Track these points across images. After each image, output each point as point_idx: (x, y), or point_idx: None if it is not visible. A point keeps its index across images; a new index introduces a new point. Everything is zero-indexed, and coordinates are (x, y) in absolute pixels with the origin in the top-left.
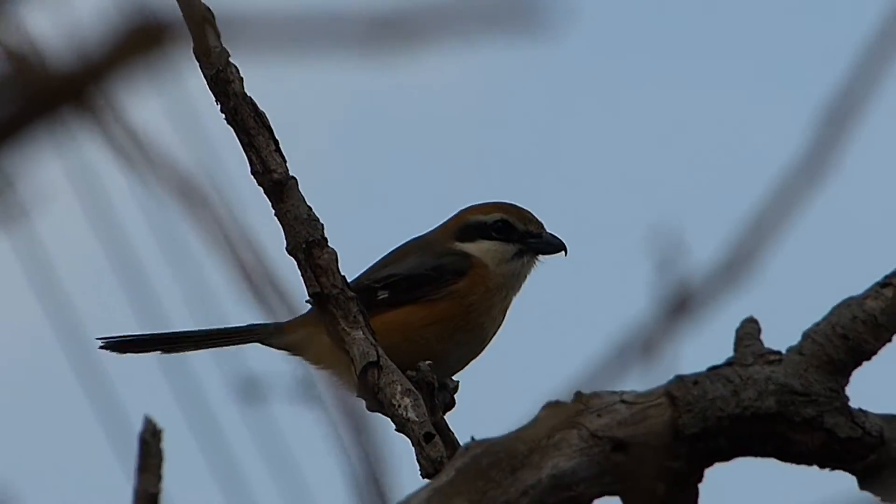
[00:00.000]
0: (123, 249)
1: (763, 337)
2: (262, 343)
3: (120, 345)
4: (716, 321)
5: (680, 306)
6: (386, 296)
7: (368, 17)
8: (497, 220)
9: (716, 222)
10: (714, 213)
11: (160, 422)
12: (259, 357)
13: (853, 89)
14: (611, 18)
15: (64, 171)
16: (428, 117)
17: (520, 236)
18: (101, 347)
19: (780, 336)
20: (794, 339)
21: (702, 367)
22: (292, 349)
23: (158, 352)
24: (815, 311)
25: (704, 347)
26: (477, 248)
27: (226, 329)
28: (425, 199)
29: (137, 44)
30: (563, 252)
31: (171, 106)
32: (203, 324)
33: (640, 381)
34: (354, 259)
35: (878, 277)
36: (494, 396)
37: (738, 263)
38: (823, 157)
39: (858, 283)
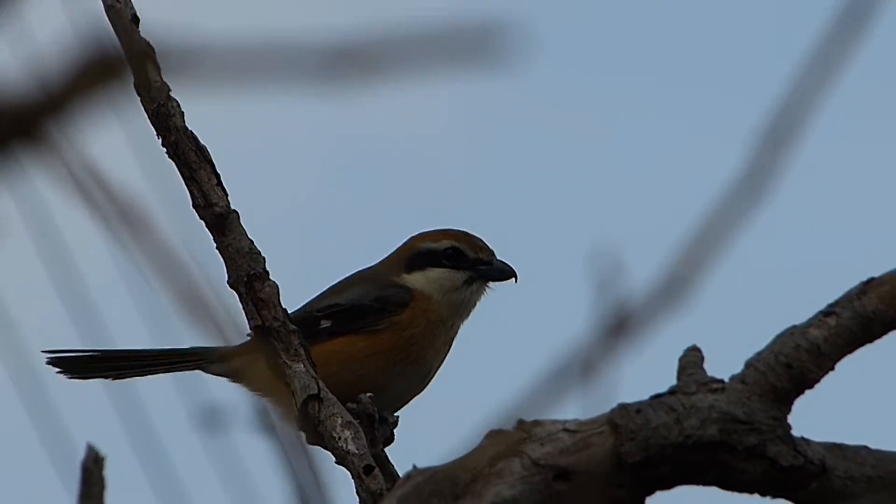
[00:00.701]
0: (72, 280)
1: (704, 363)
2: (204, 370)
3: (66, 363)
4: (655, 343)
5: (619, 328)
6: (328, 325)
7: (329, 48)
8: (447, 247)
9: (654, 244)
10: (652, 235)
11: (104, 448)
12: (209, 385)
13: (791, 110)
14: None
15: (14, 204)
16: (382, 148)
17: (470, 264)
18: (48, 362)
19: (720, 362)
20: (736, 367)
21: (642, 388)
22: (233, 376)
23: (106, 377)
24: (756, 334)
25: (643, 369)
26: (425, 277)
27: (167, 351)
28: (374, 231)
29: (95, 75)
30: (513, 279)
31: (126, 137)
32: (148, 345)
33: (581, 403)
34: (296, 292)
35: (818, 301)
36: (435, 426)
37: (676, 285)
38: (762, 179)
39: (797, 304)
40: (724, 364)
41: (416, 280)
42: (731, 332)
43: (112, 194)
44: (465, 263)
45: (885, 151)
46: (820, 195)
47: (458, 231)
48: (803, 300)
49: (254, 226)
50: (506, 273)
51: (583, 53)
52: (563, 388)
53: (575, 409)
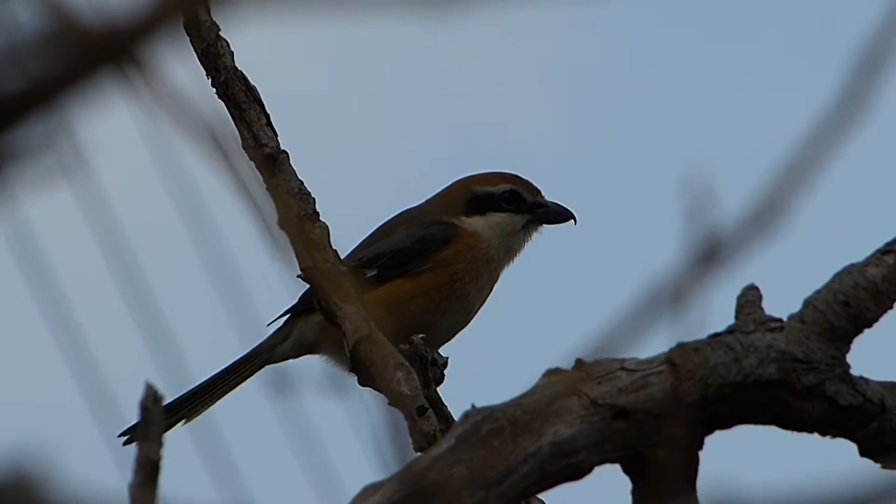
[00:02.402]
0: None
1: (762, 301)
2: (270, 362)
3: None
4: (746, 271)
5: (710, 256)
6: (374, 273)
7: None
8: (506, 190)
9: (745, 172)
10: (743, 162)
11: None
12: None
13: (884, 36)
14: None
15: (109, 127)
16: (435, 82)
17: (529, 207)
18: (125, 443)
19: (802, 293)
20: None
21: (731, 317)
22: (298, 351)
23: (182, 422)
24: (843, 258)
25: (734, 298)
26: (486, 222)
27: (232, 365)
28: (421, 171)
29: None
30: (572, 221)
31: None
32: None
33: (669, 333)
34: (347, 234)
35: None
36: (500, 364)
37: (768, 213)
38: (854, 106)
39: (872, 241)
40: (802, 292)
41: (476, 223)
42: (823, 264)
43: (201, 117)
44: (525, 206)
45: None
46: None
47: (512, 174)
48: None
49: (304, 166)
50: (564, 215)
51: None
52: (653, 317)
53: (664, 340)
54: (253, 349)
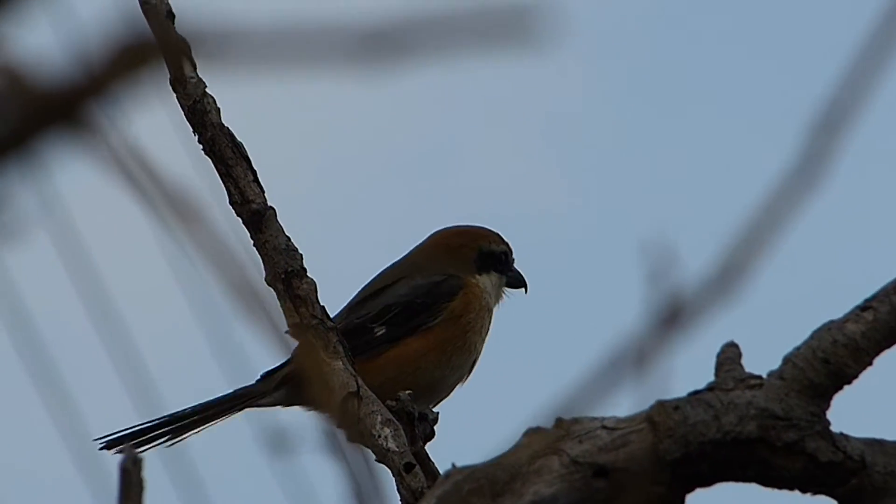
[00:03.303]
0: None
1: (742, 359)
2: (253, 406)
3: (119, 441)
4: (709, 332)
5: (672, 319)
6: (383, 332)
7: (361, 30)
8: (502, 251)
9: (707, 234)
10: (705, 224)
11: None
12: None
13: (844, 97)
14: (599, 29)
15: (56, 190)
16: (410, 135)
17: (509, 268)
18: (101, 448)
19: (775, 352)
20: (779, 362)
21: (696, 379)
22: (284, 402)
23: (161, 444)
24: (806, 327)
25: (698, 360)
26: (490, 280)
27: (215, 400)
28: (403, 223)
29: (132, 60)
30: (524, 289)
31: (162, 123)
32: (193, 399)
33: (633, 394)
34: (334, 289)
35: (856, 296)
36: (476, 423)
37: (730, 275)
38: (815, 167)
39: (840, 298)
40: (775, 351)
41: (484, 281)
42: (781, 325)
43: (159, 179)
44: (507, 268)
45: None
46: (873, 181)
47: (497, 233)
48: (843, 294)
49: (290, 222)
50: (522, 282)
51: (623, 36)
52: (616, 380)
53: (628, 401)
54: (240, 390)
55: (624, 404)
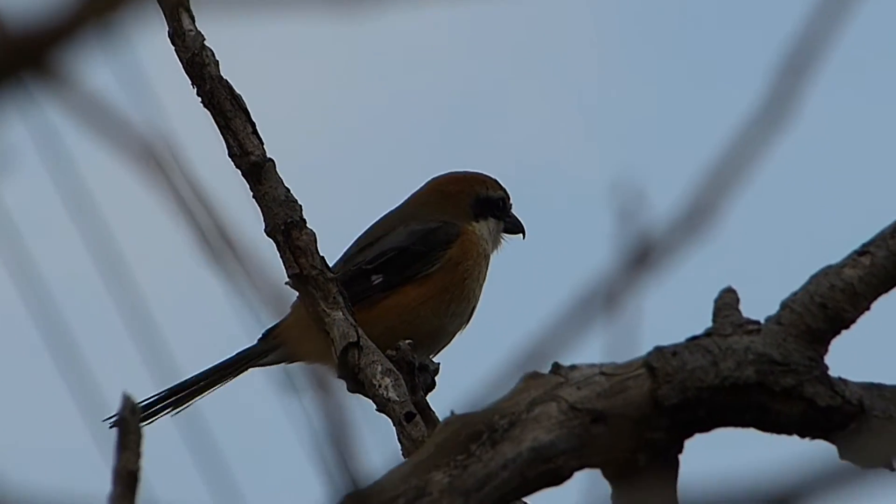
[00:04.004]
0: (88, 213)
1: (739, 304)
2: (256, 366)
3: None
4: (678, 273)
5: (642, 259)
6: (380, 280)
7: None
8: (500, 197)
9: (676, 174)
10: (674, 164)
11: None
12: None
13: (812, 35)
14: None
15: (25, 135)
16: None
17: (507, 214)
18: (112, 427)
19: (744, 294)
20: (764, 302)
21: (666, 319)
22: (286, 360)
23: (167, 414)
24: (782, 265)
25: (667, 299)
26: (487, 227)
27: (218, 366)
28: (402, 172)
29: (98, 6)
30: (522, 234)
31: (126, 70)
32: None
33: (606, 336)
34: (334, 240)
35: (846, 233)
36: (471, 372)
37: (698, 215)
38: (782, 107)
39: (821, 232)
40: (750, 297)
41: (481, 228)
42: (755, 265)
43: (127, 129)
44: (504, 214)
45: None
46: (840, 121)
47: (494, 179)
48: (826, 233)
49: (288, 173)
50: (520, 228)
51: None
52: (588, 320)
53: (600, 342)
54: (242, 352)
55: (597, 345)
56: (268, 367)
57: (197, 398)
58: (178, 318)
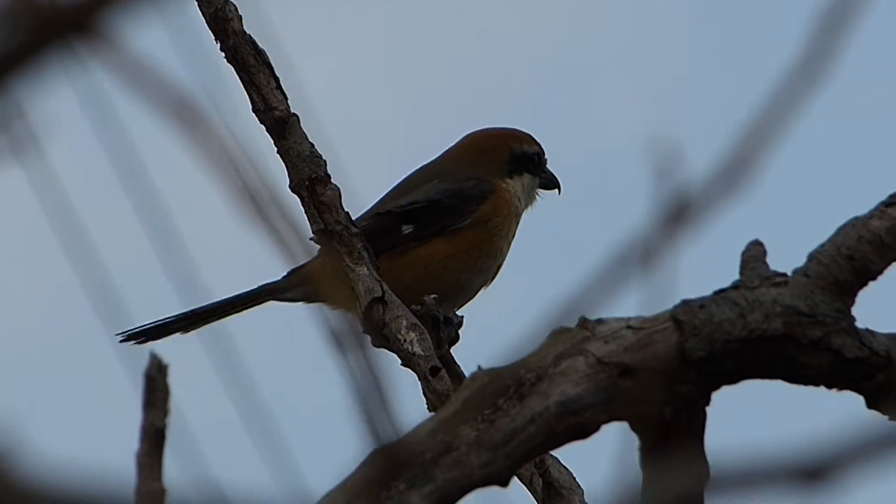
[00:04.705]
0: (135, 174)
1: (767, 257)
2: (277, 300)
3: (140, 334)
4: (715, 230)
5: (679, 215)
6: (410, 230)
7: None
8: (536, 152)
9: (713, 129)
10: (711, 120)
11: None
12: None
13: None
14: None
15: (73, 99)
16: (431, 40)
17: (542, 170)
18: (121, 341)
19: (778, 250)
20: (799, 257)
21: (703, 276)
22: (308, 297)
23: (179, 333)
24: (817, 221)
25: (705, 257)
26: (521, 183)
27: (240, 295)
28: (429, 128)
29: None
30: (557, 190)
31: (174, 33)
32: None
33: (642, 293)
34: (358, 195)
35: (876, 187)
36: (499, 325)
37: (736, 170)
38: (820, 61)
39: (858, 191)
40: (786, 253)
41: (515, 184)
42: (792, 221)
43: (167, 88)
44: (540, 169)
45: None
46: (878, 77)
47: (530, 134)
48: (863, 187)
49: (314, 128)
50: (555, 183)
51: None
52: (624, 277)
53: (635, 299)
54: (264, 285)
55: (632, 302)
56: (290, 304)
57: (215, 320)
58: (210, 257)
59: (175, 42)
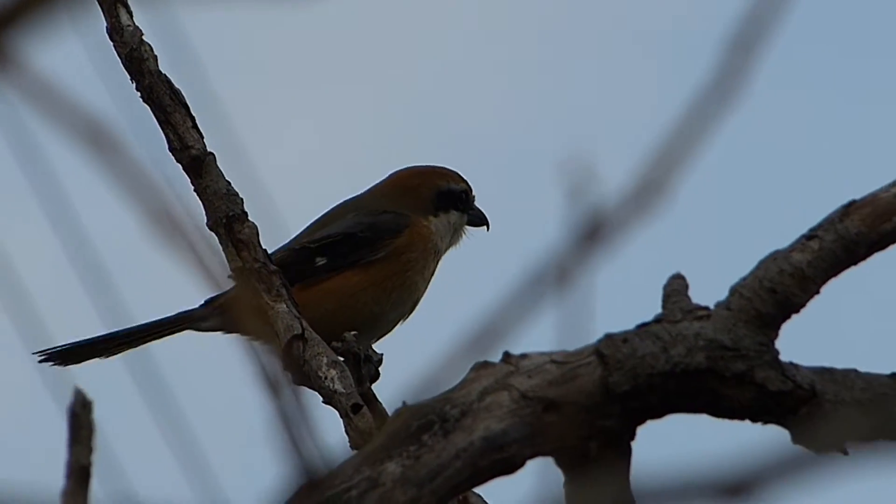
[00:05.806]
0: (52, 195)
1: (688, 290)
2: (194, 329)
3: (58, 355)
4: (629, 249)
5: (592, 234)
6: (324, 262)
7: None
8: (462, 190)
9: (626, 149)
10: (624, 139)
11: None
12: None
13: (761, 11)
14: None
15: None
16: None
17: (470, 206)
18: (40, 361)
19: (697, 273)
20: (713, 284)
21: (617, 295)
22: (224, 328)
23: (98, 358)
24: (732, 243)
25: (618, 275)
26: (448, 220)
27: (156, 322)
28: (357, 161)
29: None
30: (486, 227)
31: (77, 53)
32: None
33: (556, 311)
34: (277, 232)
35: (790, 215)
36: (418, 360)
37: (649, 190)
38: (731, 83)
39: (772, 214)
40: (702, 274)
41: (439, 222)
42: (706, 241)
43: (74, 110)
44: (467, 207)
45: (863, 63)
46: (788, 98)
47: (456, 172)
48: (776, 208)
49: (230, 167)
50: (483, 220)
51: None
52: (539, 297)
53: (551, 320)
54: (180, 313)
55: (547, 322)
56: (205, 333)
57: (131, 348)
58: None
59: (91, 63)
